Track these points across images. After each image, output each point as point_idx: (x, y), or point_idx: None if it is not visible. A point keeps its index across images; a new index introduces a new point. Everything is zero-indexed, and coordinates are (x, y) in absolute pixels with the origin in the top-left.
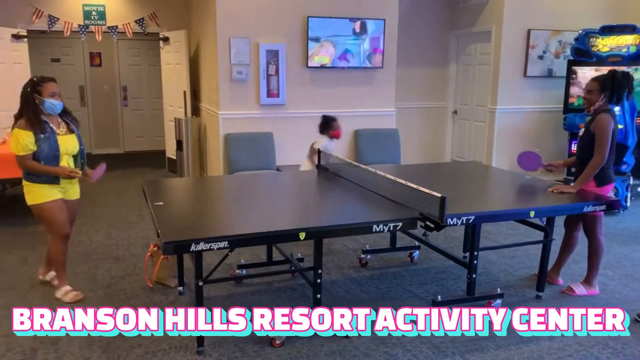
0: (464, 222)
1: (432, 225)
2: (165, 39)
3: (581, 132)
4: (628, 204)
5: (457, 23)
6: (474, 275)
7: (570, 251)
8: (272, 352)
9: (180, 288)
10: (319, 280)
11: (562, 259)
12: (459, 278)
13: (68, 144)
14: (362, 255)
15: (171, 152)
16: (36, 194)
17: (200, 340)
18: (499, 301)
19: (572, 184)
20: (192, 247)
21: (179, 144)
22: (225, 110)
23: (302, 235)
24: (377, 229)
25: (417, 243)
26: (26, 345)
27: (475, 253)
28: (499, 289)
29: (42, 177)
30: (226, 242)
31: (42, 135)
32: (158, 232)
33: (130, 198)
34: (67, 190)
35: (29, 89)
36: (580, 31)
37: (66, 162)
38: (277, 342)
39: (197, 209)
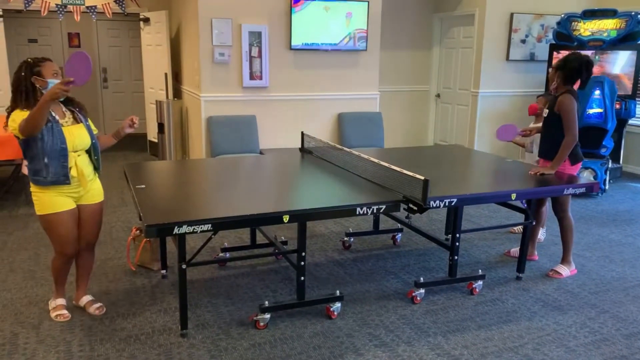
0: (447, 204)
1: (415, 208)
2: (146, 20)
3: (545, 113)
4: (606, 187)
5: (440, 6)
6: (456, 257)
7: (540, 226)
8: (256, 334)
9: (163, 271)
10: (302, 263)
11: (534, 235)
12: (441, 260)
13: (75, 136)
14: (345, 238)
15: (153, 135)
16: (44, 203)
17: (184, 322)
18: (480, 282)
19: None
20: (175, 230)
21: (161, 127)
22: (207, 92)
23: (285, 218)
24: (361, 212)
25: (400, 226)
26: (6, 329)
27: (457, 235)
28: (480, 271)
29: (46, 177)
30: (209, 225)
31: (44, 125)
32: (140, 215)
33: (112, 181)
34: (82, 193)
35: (23, 73)
36: (562, 15)
37: (74, 159)
38: (261, 324)
39: (180, 192)
